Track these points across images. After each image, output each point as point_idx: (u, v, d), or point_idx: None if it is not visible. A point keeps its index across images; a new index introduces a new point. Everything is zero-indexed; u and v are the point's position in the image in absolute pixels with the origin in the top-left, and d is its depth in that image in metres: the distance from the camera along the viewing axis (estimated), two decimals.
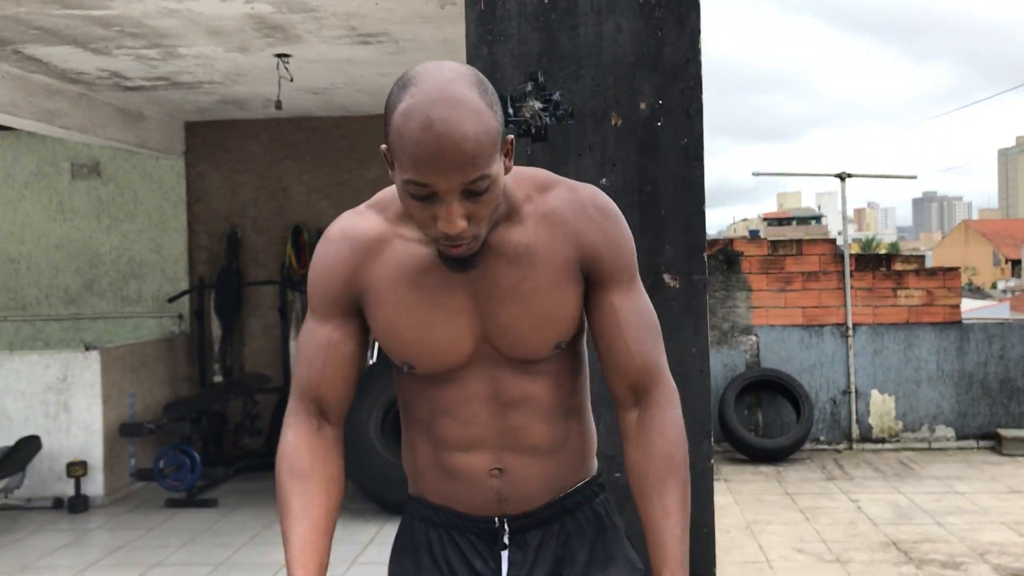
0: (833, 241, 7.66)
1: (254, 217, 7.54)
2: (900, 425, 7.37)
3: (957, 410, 7.35)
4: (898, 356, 7.37)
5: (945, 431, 7.35)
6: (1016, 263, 50.44)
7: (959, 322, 7.39)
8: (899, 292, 7.38)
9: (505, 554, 1.60)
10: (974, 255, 53.65)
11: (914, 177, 7.67)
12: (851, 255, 7.44)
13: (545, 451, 1.58)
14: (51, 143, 7.57)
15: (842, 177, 7.50)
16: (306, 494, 1.53)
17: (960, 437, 7.34)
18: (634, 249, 1.59)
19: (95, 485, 6.07)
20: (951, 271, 7.46)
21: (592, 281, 1.55)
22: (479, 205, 1.37)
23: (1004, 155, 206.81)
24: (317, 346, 1.57)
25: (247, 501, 6.17)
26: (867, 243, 62.99)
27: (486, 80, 1.41)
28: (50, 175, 7.66)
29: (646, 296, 1.60)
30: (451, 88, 1.32)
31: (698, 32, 2.86)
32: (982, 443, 7.31)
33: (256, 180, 7.55)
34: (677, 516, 1.53)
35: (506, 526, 1.60)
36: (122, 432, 6.15)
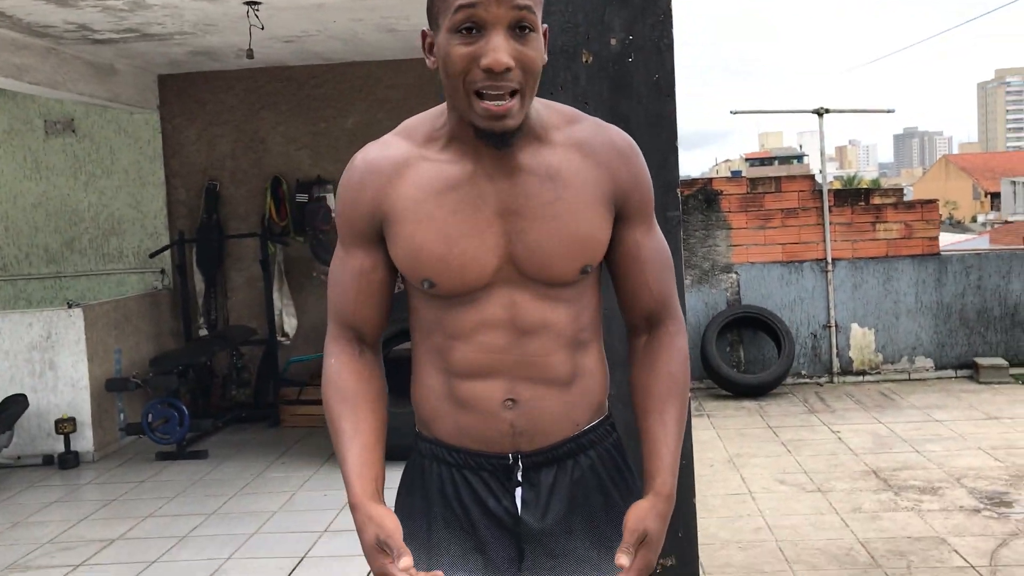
0: (812, 177, 7.69)
1: (232, 170, 7.50)
2: (880, 357, 7.48)
3: (936, 341, 7.45)
4: (877, 290, 7.44)
5: (924, 362, 7.46)
6: (995, 196, 50.64)
7: (937, 254, 7.46)
8: (878, 226, 7.43)
9: (519, 492, 1.58)
10: (954, 189, 53.79)
11: (892, 111, 7.68)
12: (830, 191, 7.48)
13: (561, 383, 1.57)
14: (23, 100, 7.48)
15: (820, 113, 7.50)
16: (355, 416, 1.57)
17: (939, 367, 7.45)
18: (652, 188, 1.63)
19: (85, 441, 6.11)
20: (929, 203, 7.51)
21: (619, 217, 1.58)
22: (525, 47, 1.38)
23: (983, 88, 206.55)
24: (349, 275, 1.60)
25: (237, 452, 6.23)
26: (849, 180, 63.01)
27: None
28: (23, 133, 7.58)
29: (662, 236, 1.65)
30: None
31: None
32: (960, 372, 7.43)
33: (232, 132, 7.49)
34: (673, 430, 1.58)
35: (520, 462, 1.57)
36: (109, 387, 6.18)
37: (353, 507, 1.51)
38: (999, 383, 7.11)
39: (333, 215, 7.23)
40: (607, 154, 1.55)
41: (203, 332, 7.29)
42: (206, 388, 7.06)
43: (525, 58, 1.39)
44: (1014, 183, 47.52)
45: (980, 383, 7.17)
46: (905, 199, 7.48)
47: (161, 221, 7.52)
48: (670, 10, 2.89)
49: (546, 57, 1.49)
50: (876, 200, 7.47)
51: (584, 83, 2.90)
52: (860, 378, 7.47)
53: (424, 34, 1.50)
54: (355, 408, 1.58)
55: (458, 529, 1.60)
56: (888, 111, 7.60)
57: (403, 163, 1.55)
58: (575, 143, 1.54)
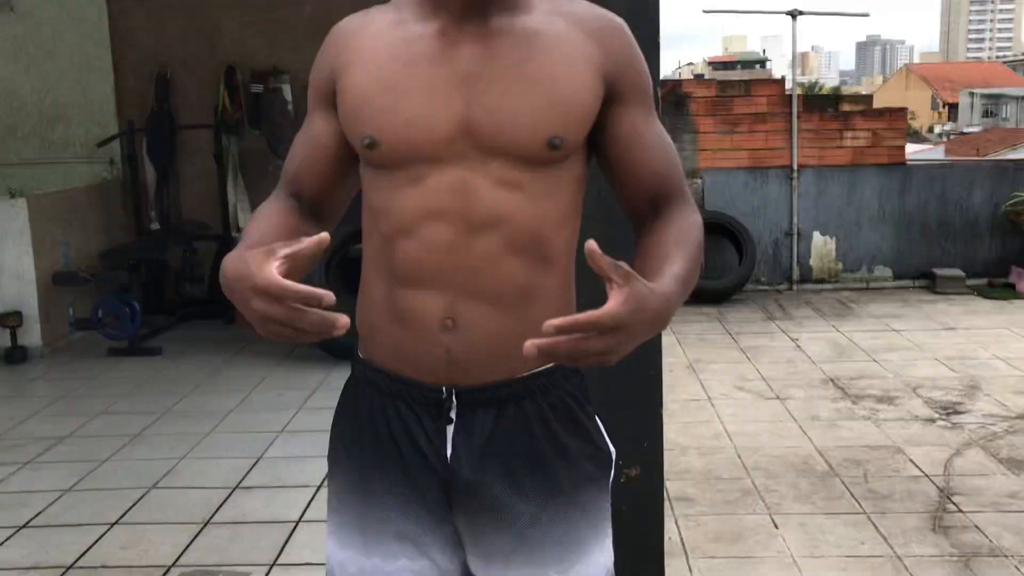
0: (782, 82, 7.56)
1: (183, 57, 7.16)
2: (840, 266, 7.50)
3: (896, 250, 7.49)
4: (841, 198, 7.42)
5: (883, 271, 7.51)
6: (953, 107, 50.86)
7: (903, 164, 7.43)
8: (845, 134, 7.36)
9: (449, 432, 1.39)
10: (914, 99, 53.87)
11: (866, 15, 7.52)
12: (799, 96, 7.36)
13: (509, 301, 1.37)
14: None
15: (793, 15, 7.32)
16: (262, 218, 1.41)
17: (897, 277, 7.51)
18: (651, 81, 1.47)
19: (32, 336, 5.94)
20: (898, 111, 7.45)
21: (613, 99, 1.40)
22: None
23: None
24: (301, 139, 1.48)
25: (191, 349, 6.11)
26: (811, 86, 62.82)
27: None
28: None
29: (664, 130, 1.48)
30: None
31: None
32: (918, 282, 7.49)
33: (184, 17, 7.12)
34: (683, 266, 1.29)
35: (453, 399, 1.38)
36: (56, 281, 5.99)
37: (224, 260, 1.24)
38: (956, 294, 7.18)
39: (289, 107, 6.97)
40: (597, 23, 1.39)
41: (155, 226, 7.08)
42: (159, 283, 6.89)
43: None
44: (972, 94, 47.72)
45: (937, 293, 7.24)
46: (874, 107, 7.39)
47: (109, 109, 7.20)
48: None
49: None
50: (845, 107, 7.38)
51: None
52: (819, 286, 7.51)
53: None
54: (267, 222, 1.40)
55: (389, 463, 1.43)
56: (863, 15, 7.44)
57: (370, 21, 1.42)
58: (562, 13, 1.40)
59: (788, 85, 7.52)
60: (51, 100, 7.18)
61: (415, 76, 1.36)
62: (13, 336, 5.81)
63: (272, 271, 1.13)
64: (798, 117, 7.31)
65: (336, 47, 1.44)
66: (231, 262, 1.20)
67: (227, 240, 6.83)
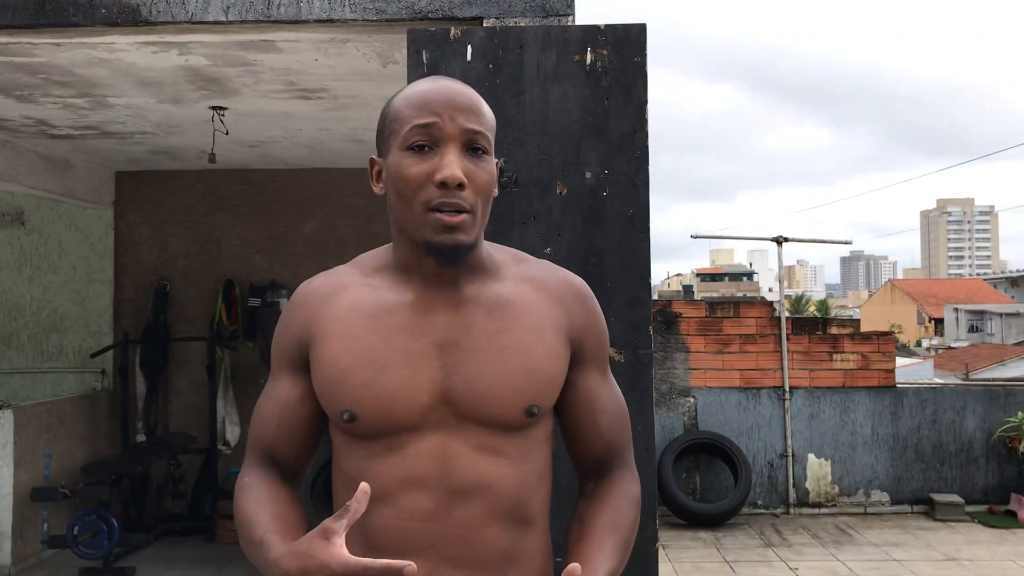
0: (771, 304, 7.71)
1: (184, 270, 7.32)
2: (836, 489, 7.37)
3: (892, 475, 7.38)
4: (834, 420, 7.39)
5: (880, 495, 7.37)
6: (939, 322, 51.80)
7: (893, 386, 7.45)
8: (835, 356, 7.43)
9: None
10: (900, 313, 54.98)
11: (849, 242, 7.79)
12: (788, 318, 7.49)
13: (492, 566, 1.37)
14: None
15: (779, 241, 7.58)
16: (264, 498, 1.42)
17: (895, 502, 7.36)
18: (608, 339, 1.55)
19: (2, 554, 5.71)
20: (885, 335, 7.55)
21: (575, 362, 1.47)
22: (477, 170, 1.36)
23: (926, 217, 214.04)
24: (272, 405, 1.49)
25: (168, 568, 5.88)
26: (797, 300, 64.24)
27: None
28: None
29: (618, 388, 1.55)
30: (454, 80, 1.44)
31: (645, 102, 2.82)
32: (916, 507, 7.34)
33: (188, 232, 7.34)
34: (611, 560, 1.35)
35: None
36: (34, 497, 5.82)
37: (274, 562, 1.25)
38: (956, 520, 7.02)
39: None
40: (561, 291, 1.48)
41: (141, 438, 6.98)
42: (140, 498, 6.71)
43: (477, 178, 1.36)
44: (956, 310, 48.75)
45: (936, 519, 7.08)
46: (862, 331, 7.51)
47: (106, 320, 7.27)
48: (647, 147, 2.85)
49: (496, 191, 1.45)
50: (834, 330, 7.49)
51: (558, 214, 2.83)
52: (816, 510, 7.34)
53: (372, 161, 1.46)
54: (272, 504, 1.41)
55: None
56: (845, 242, 7.71)
57: (341, 286, 1.46)
58: (527, 279, 1.47)
59: (776, 306, 7.66)
60: (49, 310, 7.26)
61: (393, 348, 1.39)
62: None
63: (343, 552, 1.17)
64: (787, 339, 7.40)
65: (307, 313, 1.46)
66: (289, 560, 1.21)
67: (213, 454, 6.72)
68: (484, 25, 2.86)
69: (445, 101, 1.36)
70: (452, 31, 2.78)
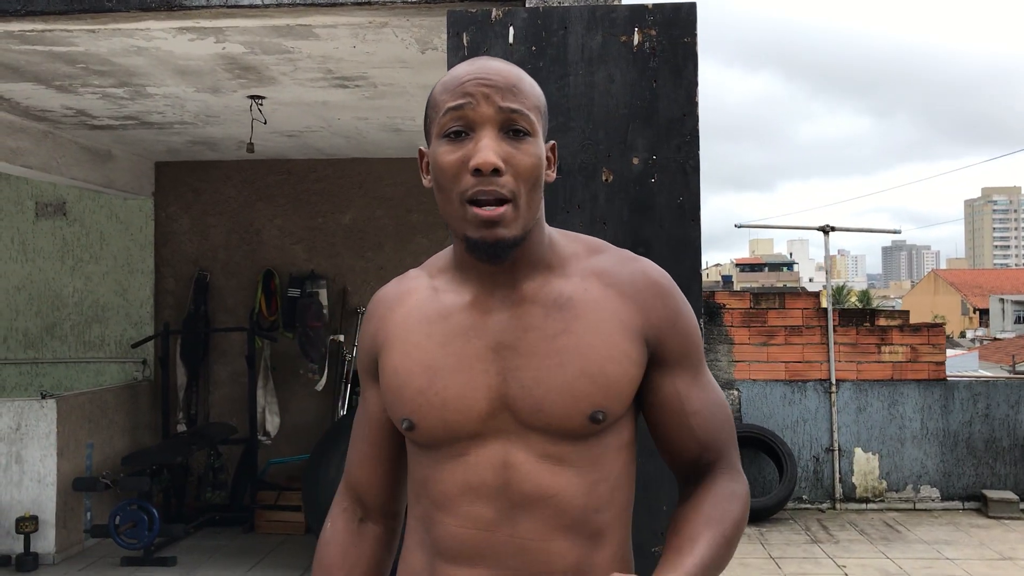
0: (817, 295, 7.54)
1: (224, 261, 7.31)
2: (884, 484, 7.20)
3: (942, 470, 7.19)
4: (882, 413, 7.21)
5: (930, 491, 7.18)
6: (984, 312, 50.86)
7: (944, 379, 7.26)
8: (883, 348, 7.25)
9: None
10: (943, 304, 54.05)
11: (898, 231, 7.58)
12: (835, 310, 7.31)
13: None
14: (15, 181, 7.33)
15: (825, 231, 7.40)
16: (337, 556, 1.44)
17: (945, 498, 7.17)
18: (699, 331, 1.40)
19: (46, 542, 5.75)
20: (935, 327, 7.35)
21: (655, 364, 1.34)
22: (517, 153, 1.25)
23: (971, 206, 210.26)
24: (360, 422, 1.48)
25: (208, 559, 5.87)
26: (838, 290, 63.45)
27: None
28: (13, 214, 7.40)
29: (718, 387, 1.41)
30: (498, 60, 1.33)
31: (695, 84, 2.70)
32: (968, 504, 7.14)
33: (227, 223, 7.33)
34: (703, 547, 1.24)
35: None
36: (76, 487, 5.84)
37: None
38: (1010, 518, 6.82)
39: (324, 311, 7.03)
40: (636, 285, 1.34)
41: (181, 427, 7.00)
42: (180, 488, 6.73)
43: (517, 161, 1.25)
44: (1002, 300, 47.82)
45: (989, 517, 6.88)
46: (911, 322, 7.31)
47: (147, 310, 7.29)
48: (697, 132, 2.74)
49: (552, 173, 1.35)
50: (882, 321, 7.30)
51: (603, 203, 2.73)
52: (863, 506, 7.18)
53: (421, 153, 1.38)
54: (346, 563, 1.43)
55: None
56: (894, 231, 7.50)
57: (407, 292, 1.40)
58: (596, 273, 1.35)
59: (824, 297, 7.49)
60: (91, 301, 7.30)
61: (449, 354, 1.31)
62: (27, 542, 5.62)
63: None
64: (834, 330, 7.23)
65: (375, 322, 1.42)
66: None
67: (253, 444, 6.72)
68: (527, 6, 2.77)
69: (478, 80, 1.26)
70: (493, 12, 2.69)
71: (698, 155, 2.71)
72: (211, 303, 7.27)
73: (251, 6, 2.79)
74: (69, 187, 7.18)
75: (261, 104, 5.27)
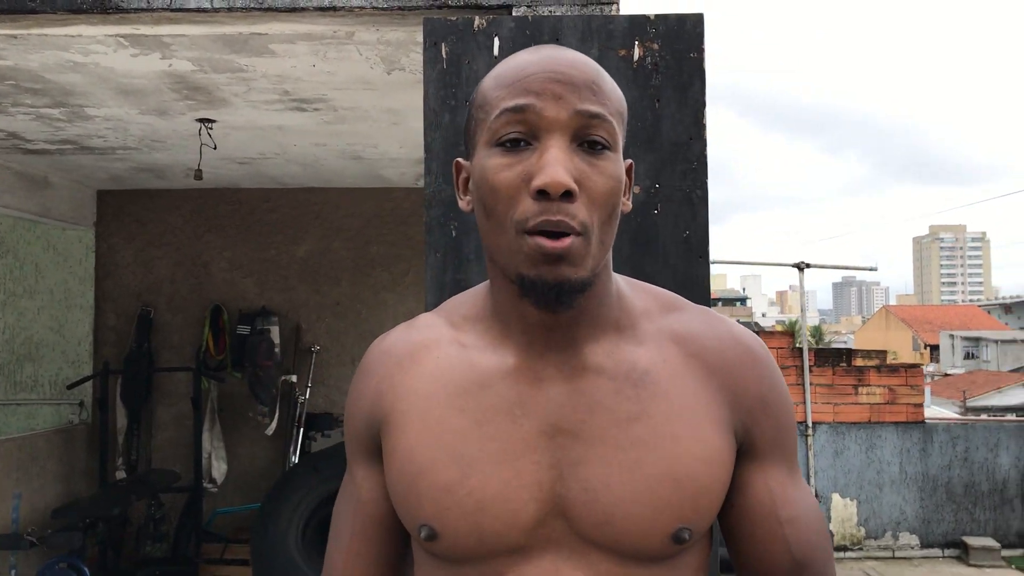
0: (791, 335, 7.30)
1: (169, 295, 6.87)
2: (862, 532, 6.93)
3: (921, 516, 6.94)
4: (860, 457, 6.96)
5: (909, 539, 6.93)
6: (934, 348, 51.50)
7: (922, 422, 7.03)
8: (860, 389, 7.01)
9: None
10: (895, 340, 54.65)
11: (874, 268, 7.40)
12: (811, 350, 7.08)
13: None
14: None
15: (800, 267, 7.18)
16: None
17: (925, 545, 6.92)
18: (794, 415, 1.08)
19: None
20: (913, 367, 7.14)
21: (742, 455, 1.03)
22: (594, 172, 0.95)
23: (919, 243, 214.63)
24: (345, 506, 1.11)
25: None
26: (791, 325, 63.96)
27: None
28: None
29: (806, 484, 1.10)
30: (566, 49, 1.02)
31: (703, 104, 2.40)
32: (948, 551, 6.90)
33: (173, 255, 6.90)
34: None
35: None
36: None
37: None
38: (991, 566, 6.58)
39: (276, 350, 6.61)
40: (725, 355, 1.02)
41: (120, 475, 6.51)
42: (117, 541, 6.23)
43: (594, 183, 0.94)
44: (952, 336, 48.53)
45: (971, 565, 6.64)
46: (888, 362, 7.10)
47: (85, 348, 6.81)
48: (705, 157, 2.43)
49: (628, 202, 1.02)
50: (859, 361, 7.08)
51: None
52: (841, 554, 6.89)
53: (457, 165, 1.05)
54: None
55: None
56: (871, 268, 7.32)
57: (422, 346, 1.06)
58: (675, 337, 1.03)
59: (797, 336, 7.25)
60: (24, 338, 6.80)
61: (488, 437, 0.97)
62: None
63: None
64: (810, 371, 6.98)
65: (378, 382, 1.06)
66: None
67: (198, 492, 6.25)
68: (514, 14, 2.45)
69: (549, 74, 0.95)
70: (476, 21, 2.37)
71: (706, 184, 2.40)
72: (155, 340, 6.81)
73: (199, 10, 2.44)
74: (2, 216, 6.71)
75: (211, 128, 4.89)
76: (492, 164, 0.96)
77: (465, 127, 1.04)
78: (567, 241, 0.92)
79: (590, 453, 0.96)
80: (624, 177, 0.99)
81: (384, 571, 1.10)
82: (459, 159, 1.06)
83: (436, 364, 1.03)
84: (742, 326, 1.07)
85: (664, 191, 2.38)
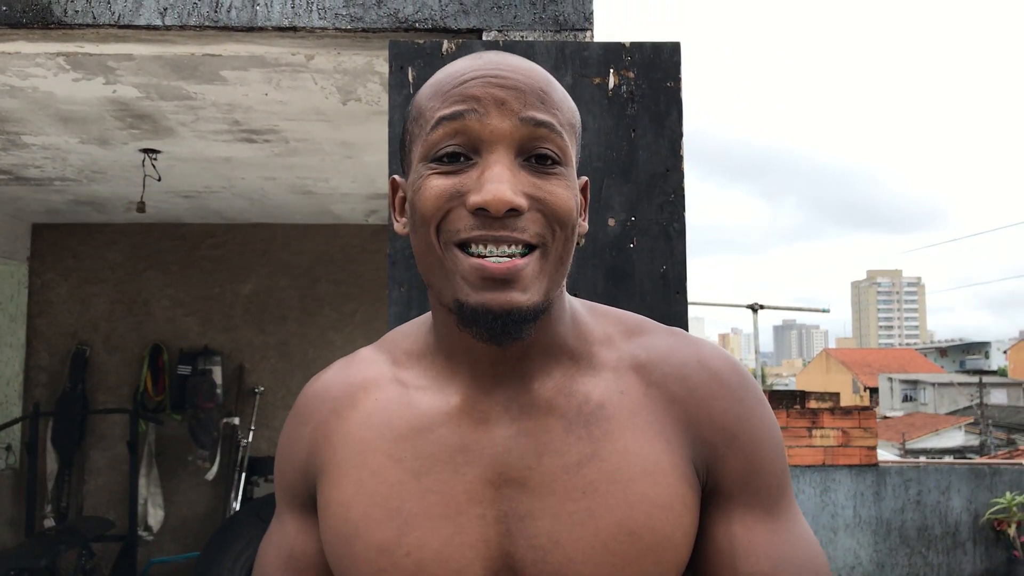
0: None
1: (106, 334, 6.59)
2: None
3: (876, 560, 6.89)
4: (814, 500, 6.90)
5: None
6: (874, 391, 52.37)
7: (876, 464, 7.01)
8: (814, 432, 6.97)
9: None
10: (835, 382, 55.47)
11: (827, 310, 7.41)
12: (764, 391, 7.03)
13: None
14: None
15: (754, 308, 7.17)
16: None
17: None
18: (784, 450, 0.94)
19: None
20: (866, 410, 7.13)
21: (710, 493, 0.90)
22: (545, 186, 0.83)
23: (857, 287, 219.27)
24: (274, 556, 0.97)
25: None
26: None
27: None
28: None
29: (807, 528, 0.93)
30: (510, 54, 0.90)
31: (680, 135, 2.32)
32: None
33: (112, 292, 6.64)
34: None
35: None
36: None
37: None
38: None
39: (218, 391, 6.37)
40: (686, 382, 0.90)
41: (49, 523, 6.17)
42: None
43: (546, 199, 0.82)
44: (891, 379, 49.40)
45: None
46: (842, 405, 7.08)
47: (15, 389, 6.49)
48: (682, 189, 2.33)
49: (584, 223, 0.92)
50: (812, 404, 7.05)
51: (574, 270, 2.30)
52: None
53: (393, 183, 0.94)
54: None
55: None
56: (823, 310, 7.33)
57: (361, 386, 0.93)
58: (636, 365, 0.91)
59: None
60: None
61: (427, 489, 0.85)
62: None
63: None
64: None
65: (314, 428, 0.94)
66: None
67: (133, 541, 5.94)
68: (484, 38, 2.35)
69: (489, 78, 0.84)
70: (445, 45, 2.25)
71: (684, 217, 2.31)
72: (90, 381, 6.52)
73: (149, 27, 2.29)
74: None
75: (155, 159, 4.71)
76: (426, 182, 0.84)
77: (400, 142, 0.93)
78: (518, 261, 0.81)
79: (538, 505, 0.84)
80: (579, 197, 0.89)
81: None
82: (395, 176, 0.95)
83: (374, 407, 0.92)
84: (718, 348, 0.94)
85: (640, 224, 2.28)
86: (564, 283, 0.91)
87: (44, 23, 2.29)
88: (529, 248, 0.82)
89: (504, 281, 0.80)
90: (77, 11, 2.29)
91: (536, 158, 0.84)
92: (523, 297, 0.81)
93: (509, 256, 0.81)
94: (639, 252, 2.28)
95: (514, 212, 0.81)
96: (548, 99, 0.85)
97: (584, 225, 0.93)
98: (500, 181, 0.80)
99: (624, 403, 0.88)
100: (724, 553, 0.87)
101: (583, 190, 0.94)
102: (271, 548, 1.00)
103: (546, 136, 0.84)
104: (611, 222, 2.28)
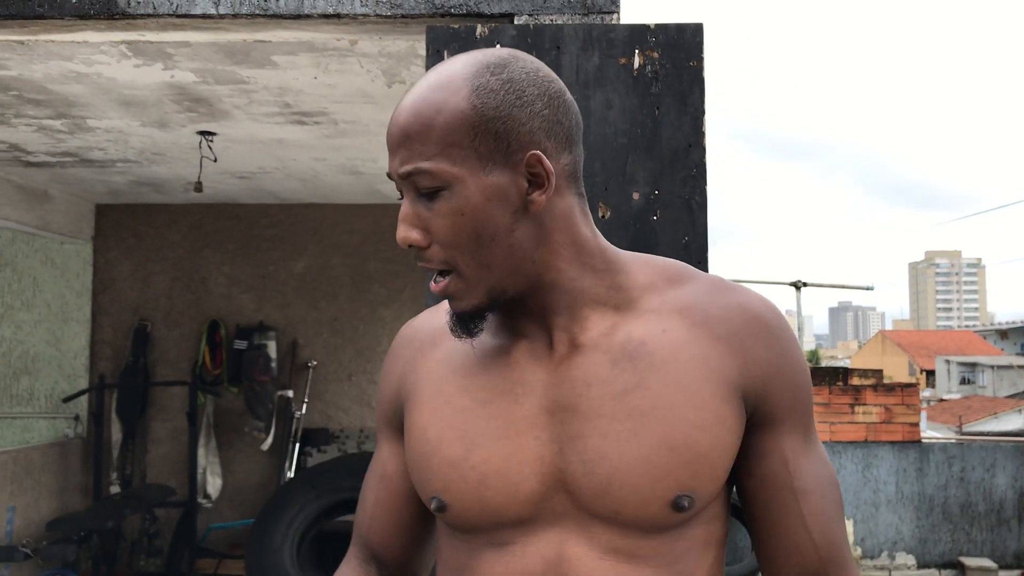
0: None
1: (166, 310, 6.87)
2: (859, 551, 6.91)
3: (918, 536, 6.93)
4: (856, 476, 6.96)
5: (906, 558, 6.91)
6: (931, 373, 51.54)
7: (919, 441, 7.04)
8: (857, 408, 7.02)
9: None
10: (891, 364, 54.69)
11: (871, 288, 7.41)
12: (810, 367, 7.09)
13: None
14: None
15: (797, 286, 7.21)
16: None
17: (921, 565, 6.90)
18: (810, 384, 1.08)
19: None
20: (910, 387, 7.15)
21: (757, 424, 1.03)
22: (433, 215, 0.98)
23: (914, 268, 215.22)
24: (371, 477, 1.19)
25: None
26: None
27: (530, 64, 1.01)
28: None
29: (824, 453, 1.09)
30: (448, 64, 1.01)
31: (702, 112, 2.43)
32: (944, 572, 6.88)
33: (171, 270, 6.91)
34: None
35: None
36: None
37: None
38: None
39: (273, 365, 6.61)
40: (732, 323, 1.02)
41: (115, 489, 6.48)
42: (111, 555, 6.20)
43: (435, 227, 0.97)
44: (948, 362, 48.51)
45: None
46: (885, 382, 7.11)
47: (82, 362, 6.80)
48: (704, 164, 2.45)
49: (539, 196, 0.98)
50: (855, 381, 7.09)
51: None
52: None
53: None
54: None
55: None
56: (867, 288, 7.33)
57: (443, 330, 1.11)
58: (680, 309, 1.03)
59: None
60: (21, 351, 6.79)
61: (490, 415, 1.01)
62: None
63: None
64: None
65: (403, 363, 1.14)
66: None
67: (192, 507, 6.23)
68: (515, 23, 2.48)
69: (389, 132, 1.02)
70: (479, 29, 2.40)
71: (706, 190, 2.43)
72: (151, 355, 6.81)
73: (204, 16, 2.46)
74: (1, 229, 6.72)
75: (212, 141, 4.92)
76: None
77: None
78: (443, 282, 1.00)
79: (588, 426, 0.98)
80: (488, 193, 0.97)
81: (405, 539, 1.16)
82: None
83: (450, 347, 1.09)
84: (755, 294, 1.07)
85: (663, 197, 2.40)
86: (566, 254, 1.01)
87: (110, 14, 2.48)
88: (444, 272, 1.00)
89: (447, 296, 1.01)
90: (139, 2, 2.48)
91: (420, 192, 0.98)
92: (461, 304, 1.00)
93: (441, 275, 1.01)
94: (662, 224, 2.40)
95: (415, 246, 0.99)
96: (411, 141, 0.97)
97: (540, 200, 0.99)
98: (401, 221, 0.99)
99: (667, 339, 1.01)
100: (779, 471, 1.03)
101: (534, 163, 0.98)
102: (371, 470, 1.20)
103: (418, 177, 0.97)
104: (635, 195, 2.41)
